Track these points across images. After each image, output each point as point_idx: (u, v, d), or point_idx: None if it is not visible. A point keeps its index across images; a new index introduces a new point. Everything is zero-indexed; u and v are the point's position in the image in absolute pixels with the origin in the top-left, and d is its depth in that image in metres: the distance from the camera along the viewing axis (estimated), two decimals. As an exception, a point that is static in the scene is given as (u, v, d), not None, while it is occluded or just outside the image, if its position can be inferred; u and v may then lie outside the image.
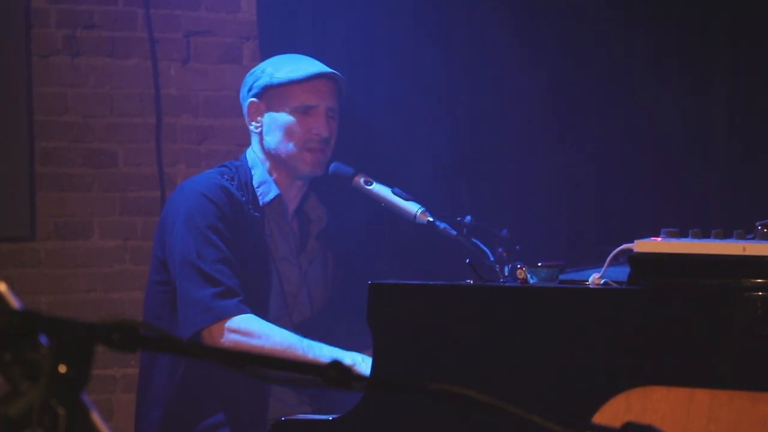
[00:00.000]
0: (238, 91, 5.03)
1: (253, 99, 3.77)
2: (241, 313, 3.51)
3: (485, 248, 3.51)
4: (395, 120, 4.65)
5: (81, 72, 4.89)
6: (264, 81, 3.75)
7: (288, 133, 3.72)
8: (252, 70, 3.83)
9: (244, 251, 3.64)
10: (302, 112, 3.71)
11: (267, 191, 3.74)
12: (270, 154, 3.75)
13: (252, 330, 3.50)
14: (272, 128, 3.74)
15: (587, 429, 1.82)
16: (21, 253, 4.84)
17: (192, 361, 3.59)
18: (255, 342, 3.48)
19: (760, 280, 2.82)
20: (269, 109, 3.75)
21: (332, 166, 3.74)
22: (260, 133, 3.77)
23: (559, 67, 4.67)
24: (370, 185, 3.70)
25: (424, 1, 4.69)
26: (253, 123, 3.78)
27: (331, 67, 3.80)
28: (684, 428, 2.80)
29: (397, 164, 4.55)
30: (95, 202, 4.93)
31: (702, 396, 2.82)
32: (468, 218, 3.59)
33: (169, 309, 3.63)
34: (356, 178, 3.71)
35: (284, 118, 3.72)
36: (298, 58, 3.81)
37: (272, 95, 3.74)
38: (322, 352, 3.45)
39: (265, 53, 4.84)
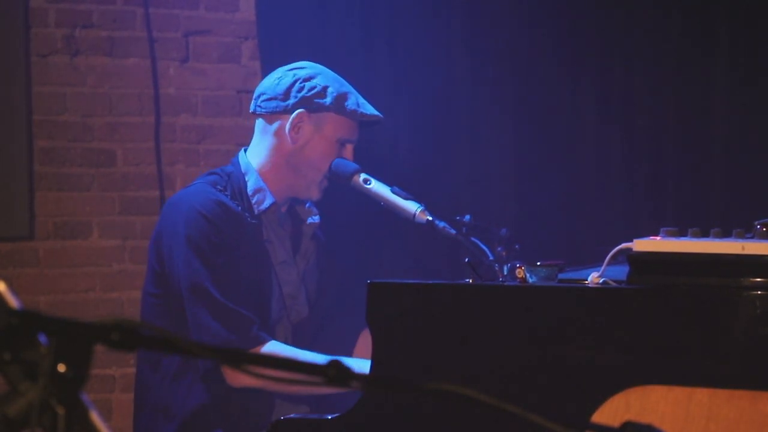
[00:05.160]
0: (237, 91, 5.06)
1: (303, 110, 3.67)
2: (261, 342, 3.50)
3: (484, 247, 3.50)
4: (394, 119, 4.65)
5: (80, 71, 4.90)
6: (328, 102, 3.67)
7: (324, 158, 3.67)
8: (304, 76, 3.70)
9: (245, 262, 3.61)
10: (341, 143, 3.70)
11: (262, 199, 3.68)
12: (290, 166, 3.69)
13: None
14: (312, 148, 3.67)
15: (586, 428, 1.82)
16: (20, 253, 4.84)
17: (195, 370, 3.58)
18: None
19: (759, 279, 2.82)
20: (316, 128, 3.68)
21: (332, 165, 3.72)
22: (297, 144, 3.68)
23: (559, 67, 4.67)
24: (370, 184, 3.69)
25: (423, 1, 4.69)
26: (292, 133, 3.68)
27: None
28: (683, 427, 2.80)
29: (397, 163, 4.55)
30: (94, 201, 4.93)
31: (701, 395, 2.82)
32: (467, 217, 3.58)
33: (167, 322, 3.59)
34: (355, 177, 3.70)
35: (327, 143, 3.67)
36: (346, 84, 3.74)
37: (328, 119, 3.68)
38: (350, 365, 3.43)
39: (265, 53, 4.85)
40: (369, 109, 3.71)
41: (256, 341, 3.49)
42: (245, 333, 3.48)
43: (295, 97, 3.68)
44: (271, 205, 3.68)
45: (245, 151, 3.76)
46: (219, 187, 3.65)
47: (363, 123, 3.73)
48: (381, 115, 3.74)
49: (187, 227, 3.55)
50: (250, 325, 3.50)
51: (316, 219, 3.83)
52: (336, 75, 3.77)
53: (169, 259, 3.58)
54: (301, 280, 3.79)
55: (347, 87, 3.74)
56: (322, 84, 3.69)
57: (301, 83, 3.69)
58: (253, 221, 3.65)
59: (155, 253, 3.64)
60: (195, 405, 3.60)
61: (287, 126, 3.68)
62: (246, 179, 3.69)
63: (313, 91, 3.67)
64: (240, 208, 3.63)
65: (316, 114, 3.67)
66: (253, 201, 3.67)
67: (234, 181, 3.68)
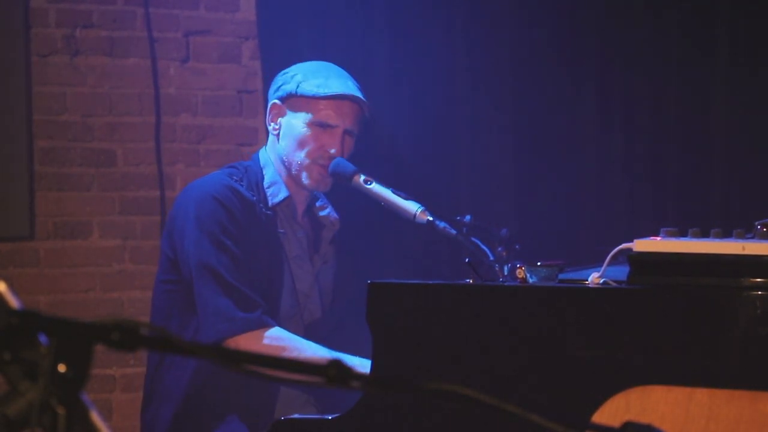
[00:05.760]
0: (237, 91, 5.06)
1: (276, 101, 3.79)
2: (265, 325, 3.52)
3: (485, 247, 3.50)
4: (395, 119, 4.65)
5: (80, 71, 4.89)
6: (290, 88, 3.76)
7: (301, 143, 3.73)
8: (285, 70, 3.84)
9: (256, 249, 3.65)
10: (319, 126, 3.72)
11: (277, 192, 3.75)
12: (281, 159, 3.77)
13: (286, 345, 3.51)
14: (287, 134, 3.76)
15: (586, 428, 1.82)
16: (20, 253, 4.84)
17: (200, 364, 3.60)
18: (289, 355, 3.47)
19: (759, 280, 2.82)
20: (288, 114, 3.77)
21: (332, 165, 3.73)
22: (277, 136, 3.79)
23: (559, 67, 4.67)
24: (370, 184, 3.70)
25: (423, 2, 4.69)
26: (272, 124, 3.80)
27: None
28: (683, 428, 2.80)
29: (397, 163, 4.55)
30: (94, 201, 4.93)
31: (701, 395, 2.82)
32: (468, 217, 3.59)
33: (180, 308, 3.63)
34: (356, 177, 3.71)
35: (300, 128, 3.73)
36: (329, 71, 3.80)
37: (294, 103, 3.76)
38: (353, 363, 3.45)
39: (265, 53, 4.85)
40: (330, 88, 3.74)
41: (261, 323, 3.52)
42: (251, 313, 3.50)
43: (272, 93, 3.82)
44: (285, 198, 3.74)
45: (265, 148, 3.85)
46: (235, 178, 3.73)
47: (348, 101, 3.75)
48: (345, 93, 3.74)
49: (199, 209, 3.61)
50: (256, 307, 3.53)
51: (336, 227, 3.87)
52: (324, 65, 3.83)
53: (180, 241, 3.62)
54: (315, 279, 3.82)
55: (324, 73, 3.78)
56: (292, 73, 3.80)
57: (276, 78, 3.84)
58: (268, 212, 3.69)
59: (168, 240, 3.70)
60: (194, 387, 3.62)
61: (267, 119, 3.83)
62: (263, 173, 3.77)
63: (282, 81, 3.80)
64: (255, 198, 3.67)
65: (286, 102, 3.77)
66: (268, 193, 3.74)
67: (251, 174, 3.76)
